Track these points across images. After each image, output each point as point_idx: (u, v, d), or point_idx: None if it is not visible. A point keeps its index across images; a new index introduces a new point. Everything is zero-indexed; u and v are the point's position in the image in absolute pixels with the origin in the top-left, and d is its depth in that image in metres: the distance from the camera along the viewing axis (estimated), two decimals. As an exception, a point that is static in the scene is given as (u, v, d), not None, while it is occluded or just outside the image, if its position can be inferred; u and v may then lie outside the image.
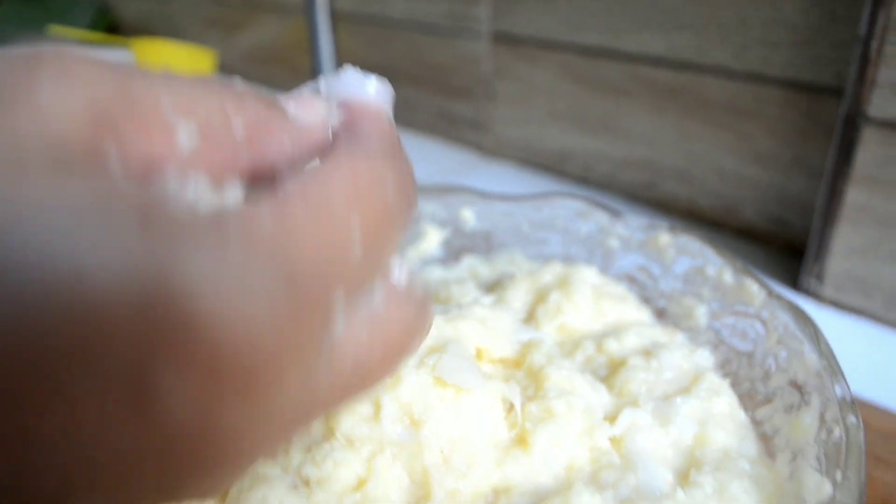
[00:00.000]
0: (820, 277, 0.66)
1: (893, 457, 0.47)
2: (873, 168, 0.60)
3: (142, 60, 1.15)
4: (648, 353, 0.38)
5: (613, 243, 0.49)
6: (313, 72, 0.95)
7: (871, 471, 0.46)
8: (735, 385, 0.39)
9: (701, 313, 0.43)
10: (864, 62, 0.58)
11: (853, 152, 0.61)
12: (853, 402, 0.32)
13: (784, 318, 0.38)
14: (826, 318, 0.65)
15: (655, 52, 0.79)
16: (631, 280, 0.48)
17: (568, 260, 0.50)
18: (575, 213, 0.51)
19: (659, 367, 0.37)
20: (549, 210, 0.52)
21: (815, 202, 0.66)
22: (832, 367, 0.34)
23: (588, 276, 0.45)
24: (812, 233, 0.66)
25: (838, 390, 0.33)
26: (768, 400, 0.37)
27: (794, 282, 0.69)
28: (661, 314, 0.46)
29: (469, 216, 0.53)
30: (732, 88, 0.75)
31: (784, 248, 0.77)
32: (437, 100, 1.06)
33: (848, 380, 0.51)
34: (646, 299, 0.47)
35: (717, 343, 0.42)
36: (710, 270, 0.44)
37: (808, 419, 0.33)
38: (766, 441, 0.35)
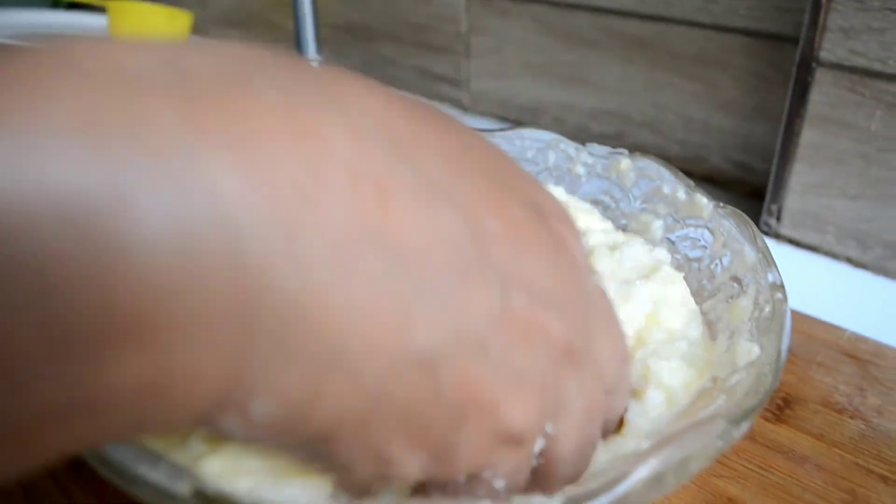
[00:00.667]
0: (778, 216, 0.70)
1: (833, 363, 0.51)
2: (826, 108, 0.64)
3: (117, 24, 1.16)
4: (612, 247, 0.42)
5: (579, 170, 0.53)
6: (295, 34, 0.97)
7: (813, 374, 0.50)
8: (686, 284, 0.43)
9: (657, 227, 0.47)
10: (816, 8, 0.62)
11: (807, 94, 0.65)
12: (782, 284, 0.36)
13: (727, 225, 0.42)
14: (784, 255, 0.69)
15: (625, 4, 0.82)
16: (595, 203, 0.52)
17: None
18: (544, 143, 0.55)
19: (621, 258, 0.41)
20: (520, 142, 0.56)
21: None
22: (767, 259, 0.38)
23: (556, 193, 0.48)
24: (771, 174, 0.70)
25: (770, 277, 0.37)
26: (713, 294, 0.41)
27: (755, 223, 0.73)
28: (622, 230, 0.50)
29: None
30: (699, 39, 0.79)
31: (748, 193, 0.81)
32: (415, 57, 1.09)
33: (799, 299, 0.55)
34: (610, 219, 0.51)
35: (671, 252, 0.46)
36: (666, 189, 0.47)
37: (744, 303, 0.37)
38: (711, 326, 0.39)
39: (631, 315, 0.37)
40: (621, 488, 0.25)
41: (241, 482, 0.28)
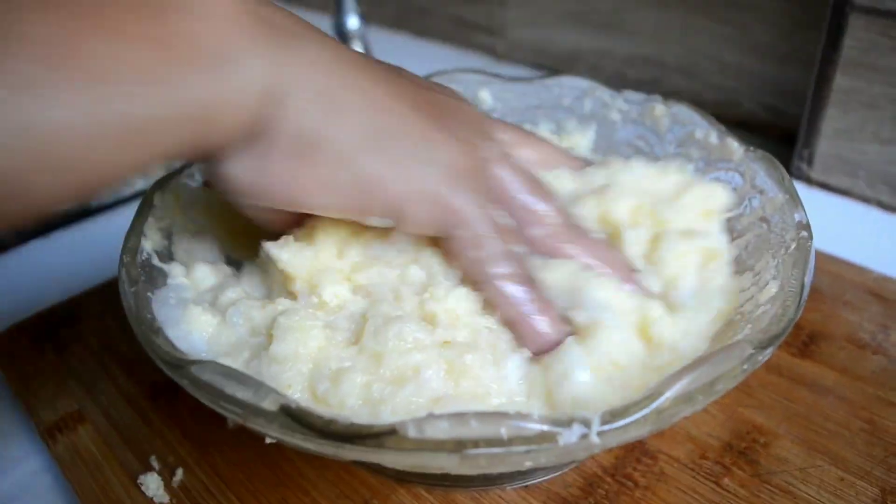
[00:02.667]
0: (809, 160, 0.72)
1: (860, 302, 0.54)
2: (858, 53, 0.65)
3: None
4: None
5: (615, 116, 0.55)
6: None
7: (839, 312, 0.53)
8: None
9: (689, 170, 0.49)
10: (853, -48, 0.62)
11: (840, 39, 0.65)
12: (808, 223, 0.38)
13: (757, 167, 0.44)
14: (815, 199, 0.70)
15: (661, -50, 0.83)
16: (631, 148, 0.54)
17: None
18: (580, 91, 0.57)
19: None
20: (557, 89, 0.58)
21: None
22: (794, 200, 0.40)
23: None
24: (803, 118, 0.71)
25: (797, 217, 0.39)
26: (742, 234, 0.43)
27: (786, 167, 0.74)
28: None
29: (486, 97, 0.59)
30: (734, -16, 0.79)
31: (780, 137, 0.82)
32: (450, 6, 1.10)
33: (829, 242, 0.57)
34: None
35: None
36: (699, 134, 0.49)
37: (771, 242, 0.39)
38: (740, 263, 0.42)
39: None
40: (656, 404, 0.28)
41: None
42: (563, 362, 0.36)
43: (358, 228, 0.40)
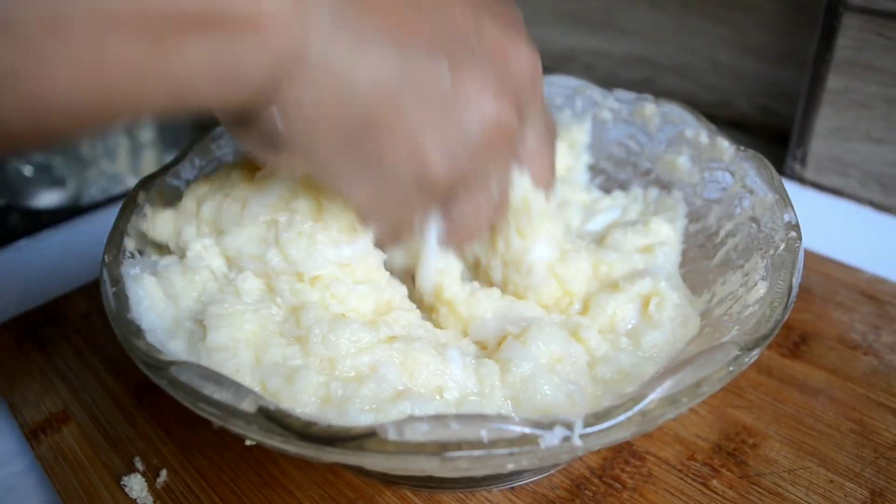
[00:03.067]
0: (802, 160, 0.71)
1: (851, 302, 0.53)
2: (852, 53, 0.64)
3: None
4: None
5: (606, 115, 0.55)
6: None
7: (830, 313, 0.52)
8: (705, 227, 0.45)
9: (684, 161, 0.49)
10: (846, -49, 0.62)
11: (834, 39, 0.65)
12: (797, 224, 0.38)
13: (747, 167, 0.44)
14: (808, 199, 0.70)
15: (655, -51, 0.82)
16: (622, 147, 0.54)
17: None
18: (571, 90, 0.56)
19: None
20: (548, 88, 0.57)
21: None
22: (783, 200, 0.40)
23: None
24: (796, 118, 0.71)
25: (786, 217, 0.38)
26: (733, 234, 0.43)
27: (779, 168, 0.74)
28: (645, 174, 0.52)
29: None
30: (727, -17, 0.79)
31: (774, 137, 0.82)
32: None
33: (822, 242, 0.57)
34: (634, 164, 0.53)
35: (693, 193, 0.48)
36: (689, 133, 0.49)
37: (760, 242, 0.39)
38: (731, 264, 0.41)
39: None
40: (639, 406, 0.28)
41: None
42: (507, 355, 0.37)
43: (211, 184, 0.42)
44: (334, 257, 0.39)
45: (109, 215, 0.73)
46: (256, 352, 0.35)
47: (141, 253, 0.42)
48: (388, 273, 0.41)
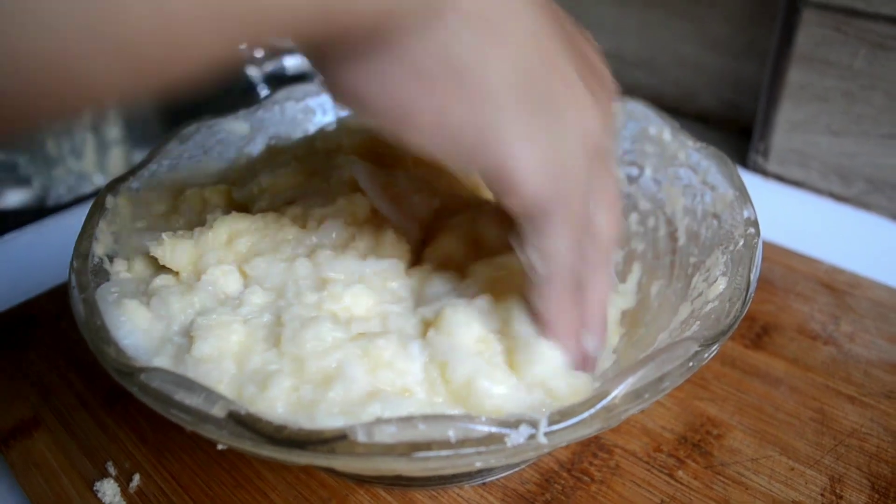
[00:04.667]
0: (765, 153, 0.73)
1: (811, 293, 0.55)
2: (812, 48, 0.66)
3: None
4: None
5: (571, 113, 0.55)
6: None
7: (791, 303, 0.54)
8: (670, 224, 0.46)
9: (647, 173, 0.50)
10: (804, -53, 0.63)
11: (794, 34, 0.66)
12: (756, 220, 0.39)
13: (708, 164, 0.45)
14: (770, 191, 0.71)
15: (619, -55, 0.83)
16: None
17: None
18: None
19: None
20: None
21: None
22: (743, 196, 0.41)
23: None
24: (758, 112, 0.72)
25: (745, 213, 0.39)
26: (697, 234, 0.44)
27: (742, 160, 0.75)
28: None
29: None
30: (690, -21, 0.80)
31: (738, 131, 0.83)
32: None
33: (783, 233, 0.58)
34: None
35: (656, 190, 0.49)
36: (652, 130, 0.50)
37: (720, 238, 0.40)
38: (697, 267, 0.42)
39: None
40: (603, 402, 0.29)
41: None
42: (441, 353, 0.36)
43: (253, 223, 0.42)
44: (357, 269, 0.39)
45: (77, 216, 0.73)
46: (239, 362, 0.35)
47: (110, 259, 0.41)
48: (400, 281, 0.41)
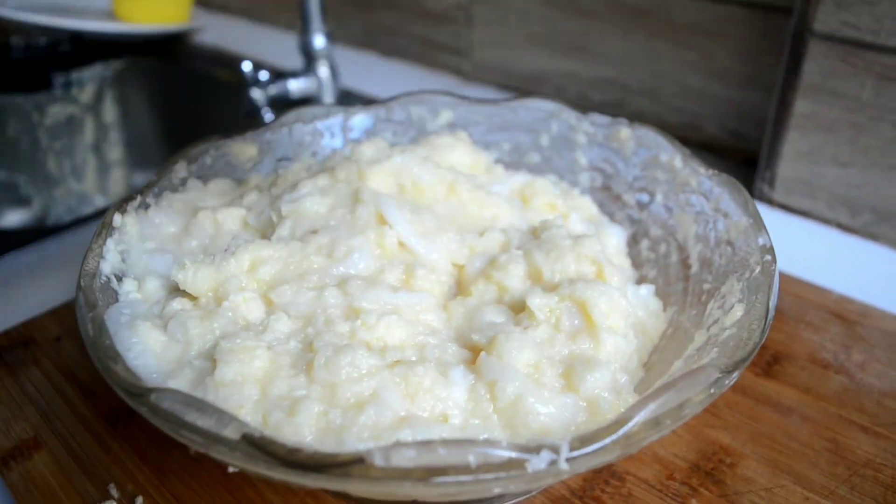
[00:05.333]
0: (771, 183, 0.73)
1: (821, 322, 0.54)
2: (818, 78, 0.66)
3: (121, 4, 1.17)
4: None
5: (581, 139, 0.55)
6: (300, 4, 0.98)
7: (801, 333, 0.53)
8: (682, 251, 0.46)
9: (658, 199, 0.49)
10: (811, -21, 0.64)
11: (801, 65, 0.67)
12: (771, 247, 0.39)
13: (721, 191, 0.44)
14: (776, 220, 0.71)
15: (625, -25, 0.84)
16: (597, 170, 0.55)
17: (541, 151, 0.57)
18: (546, 113, 0.57)
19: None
20: (523, 112, 0.58)
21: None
22: (757, 223, 0.41)
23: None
24: (764, 141, 0.72)
25: (760, 240, 0.39)
26: (710, 261, 0.43)
27: (748, 190, 0.75)
28: (616, 199, 0.53)
29: (449, 116, 0.59)
30: (696, 9, 0.81)
31: (742, 160, 0.83)
32: (417, 26, 1.11)
33: (791, 263, 0.58)
34: (607, 187, 0.54)
35: (667, 217, 0.49)
36: (664, 157, 0.50)
37: (735, 265, 0.40)
38: (712, 294, 0.42)
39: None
40: (624, 429, 0.28)
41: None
42: (491, 373, 0.36)
43: (276, 251, 0.42)
44: (390, 300, 0.39)
45: (77, 236, 0.73)
46: (263, 387, 0.35)
47: (118, 278, 0.41)
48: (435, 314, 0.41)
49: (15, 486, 0.43)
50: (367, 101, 0.70)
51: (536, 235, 0.45)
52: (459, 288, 0.44)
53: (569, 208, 0.51)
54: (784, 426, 0.46)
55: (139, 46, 1.21)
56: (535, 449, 0.27)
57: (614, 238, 0.50)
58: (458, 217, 0.47)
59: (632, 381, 0.39)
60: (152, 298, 0.41)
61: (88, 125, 1.21)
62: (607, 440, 0.28)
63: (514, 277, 0.42)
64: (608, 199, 0.54)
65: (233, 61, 1.10)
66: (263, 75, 0.90)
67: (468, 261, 0.44)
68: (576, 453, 0.27)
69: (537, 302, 0.39)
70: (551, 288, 0.40)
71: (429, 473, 0.27)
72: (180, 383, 0.35)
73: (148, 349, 0.36)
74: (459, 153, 0.53)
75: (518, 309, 0.41)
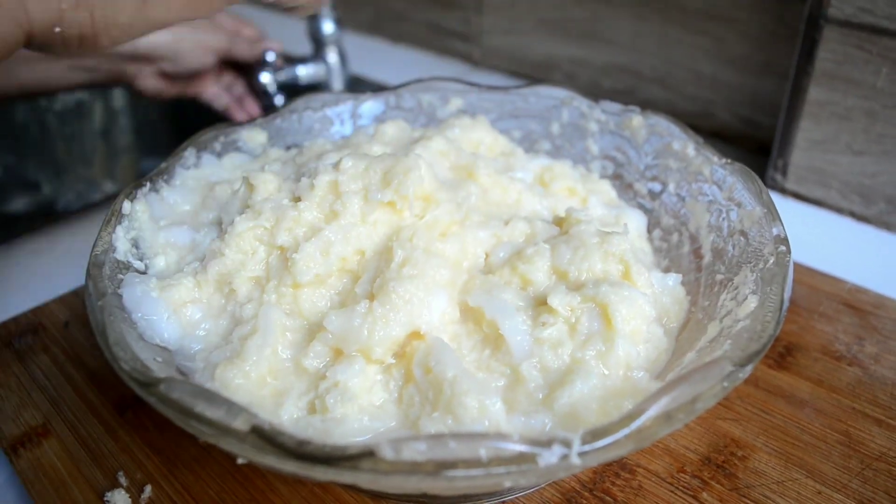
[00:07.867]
0: (784, 171, 0.72)
1: (834, 313, 0.54)
2: (832, 65, 0.65)
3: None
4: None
5: (593, 127, 0.55)
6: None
7: (814, 324, 0.53)
8: (694, 241, 0.46)
9: (670, 188, 0.49)
10: (827, -35, 0.62)
11: (814, 51, 0.66)
12: (786, 237, 0.38)
13: (734, 180, 0.44)
14: (789, 209, 0.71)
15: (637, -40, 0.83)
16: (608, 159, 0.54)
17: (552, 139, 0.56)
18: (558, 100, 0.56)
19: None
20: (534, 99, 0.57)
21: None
22: (772, 213, 0.40)
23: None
24: (777, 129, 0.72)
25: (774, 230, 0.39)
26: (723, 251, 0.43)
27: (761, 178, 0.75)
28: (628, 187, 0.52)
29: (459, 103, 0.58)
30: (709, -5, 0.80)
31: (755, 148, 0.83)
32: (426, 12, 1.10)
33: (804, 252, 0.57)
34: (619, 176, 0.53)
35: (679, 207, 0.48)
36: (676, 145, 0.49)
37: (748, 255, 0.39)
38: (724, 285, 0.41)
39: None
40: (637, 423, 0.28)
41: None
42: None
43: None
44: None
45: (85, 222, 0.73)
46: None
47: (128, 266, 0.41)
48: None
49: (24, 473, 0.43)
50: (376, 88, 0.69)
51: (564, 231, 0.44)
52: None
53: (588, 192, 0.50)
54: (796, 418, 0.45)
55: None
56: (547, 443, 0.27)
57: (634, 222, 0.49)
58: (480, 203, 0.46)
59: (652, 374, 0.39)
60: (170, 271, 0.42)
61: (97, 110, 1.21)
62: (619, 434, 0.28)
63: (540, 271, 0.41)
64: (620, 187, 0.53)
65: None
66: (270, 56, 0.89)
67: (493, 250, 0.43)
68: (588, 447, 0.27)
69: (559, 300, 0.39)
70: (576, 286, 0.40)
71: (439, 467, 0.26)
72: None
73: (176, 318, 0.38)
74: (480, 133, 0.53)
75: (539, 302, 0.40)
